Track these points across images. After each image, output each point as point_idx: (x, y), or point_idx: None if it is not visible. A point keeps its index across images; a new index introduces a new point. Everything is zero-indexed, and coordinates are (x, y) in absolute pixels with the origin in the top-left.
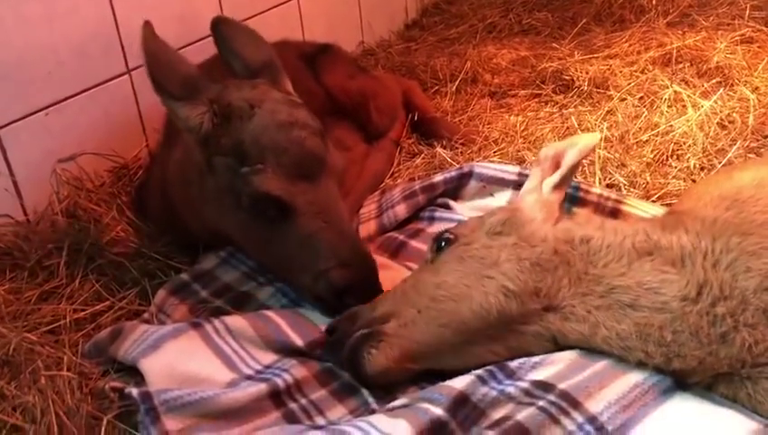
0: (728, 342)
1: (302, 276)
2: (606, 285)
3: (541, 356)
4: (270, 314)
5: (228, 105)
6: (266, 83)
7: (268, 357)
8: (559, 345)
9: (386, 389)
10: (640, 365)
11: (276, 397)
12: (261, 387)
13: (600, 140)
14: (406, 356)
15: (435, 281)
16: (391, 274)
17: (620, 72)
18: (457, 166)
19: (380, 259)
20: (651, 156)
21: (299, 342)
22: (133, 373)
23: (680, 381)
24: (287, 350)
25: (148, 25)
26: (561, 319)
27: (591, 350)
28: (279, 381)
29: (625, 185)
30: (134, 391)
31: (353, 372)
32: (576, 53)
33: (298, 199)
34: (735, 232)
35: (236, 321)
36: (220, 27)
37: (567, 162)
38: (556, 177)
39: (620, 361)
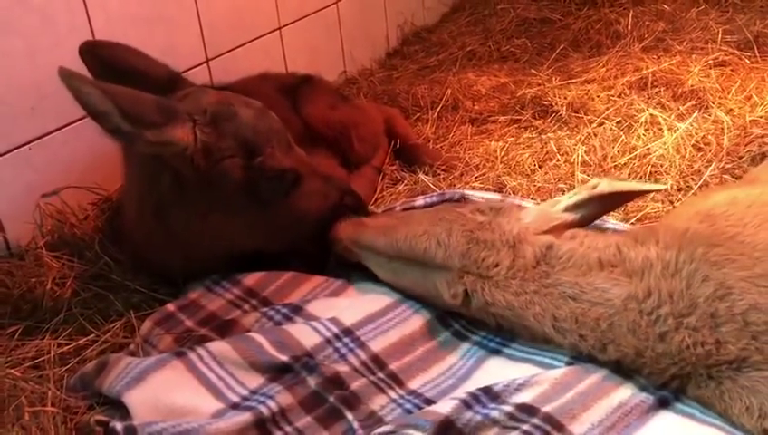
0: (666, 341)
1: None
2: (554, 280)
3: (525, 377)
4: (252, 334)
5: (207, 111)
6: (200, 89)
7: (255, 380)
8: (469, 303)
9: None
10: (575, 349)
11: (262, 426)
12: (246, 416)
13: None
14: (353, 238)
15: (413, 212)
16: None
17: (598, 96)
18: (439, 191)
19: None
20: (629, 179)
21: (283, 357)
22: (119, 407)
23: (633, 371)
24: (273, 368)
25: (67, 71)
26: (490, 285)
27: (519, 322)
28: (264, 410)
29: None
30: (118, 426)
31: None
32: (554, 78)
33: (299, 165)
34: (703, 243)
35: (220, 346)
36: (99, 52)
37: (596, 191)
38: (570, 199)
39: (610, 376)
